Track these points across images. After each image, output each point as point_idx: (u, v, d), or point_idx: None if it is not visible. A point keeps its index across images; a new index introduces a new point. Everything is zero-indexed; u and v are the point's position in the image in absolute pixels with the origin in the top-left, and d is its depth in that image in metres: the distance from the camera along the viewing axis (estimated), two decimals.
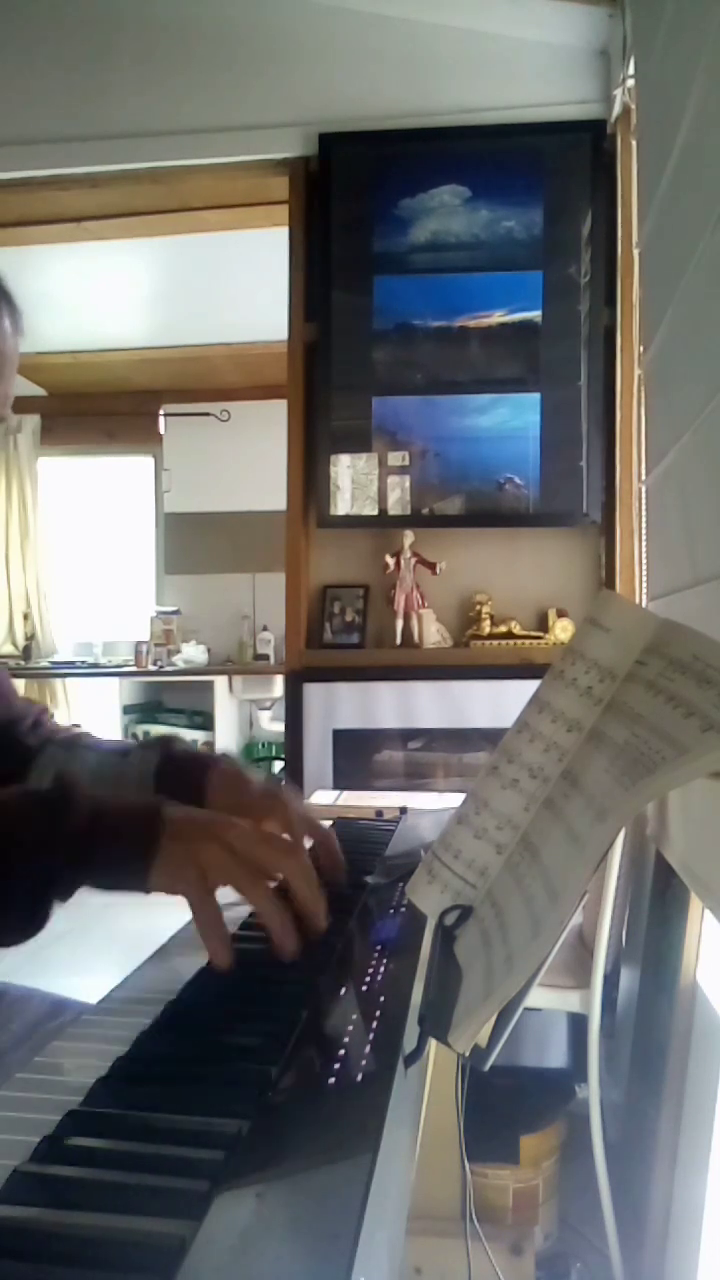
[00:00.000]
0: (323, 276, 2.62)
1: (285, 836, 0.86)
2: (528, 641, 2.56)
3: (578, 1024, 1.65)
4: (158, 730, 5.29)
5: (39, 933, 0.69)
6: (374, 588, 2.67)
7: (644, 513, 2.34)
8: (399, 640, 2.60)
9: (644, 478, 2.16)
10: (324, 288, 2.61)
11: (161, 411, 5.57)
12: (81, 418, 5.63)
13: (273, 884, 0.72)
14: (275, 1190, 0.47)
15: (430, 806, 1.54)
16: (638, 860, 1.71)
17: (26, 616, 5.66)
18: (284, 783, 1.00)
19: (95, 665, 5.49)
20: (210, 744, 5.24)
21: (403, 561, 2.60)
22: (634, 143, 2.33)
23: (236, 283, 3.85)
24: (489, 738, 2.50)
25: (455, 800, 0.84)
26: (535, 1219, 1.65)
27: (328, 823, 1.24)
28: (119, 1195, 0.47)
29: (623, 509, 2.51)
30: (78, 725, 5.40)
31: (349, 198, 2.60)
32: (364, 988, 0.72)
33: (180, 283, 4.23)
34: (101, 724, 5.60)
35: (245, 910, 0.94)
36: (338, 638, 2.67)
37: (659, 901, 1.55)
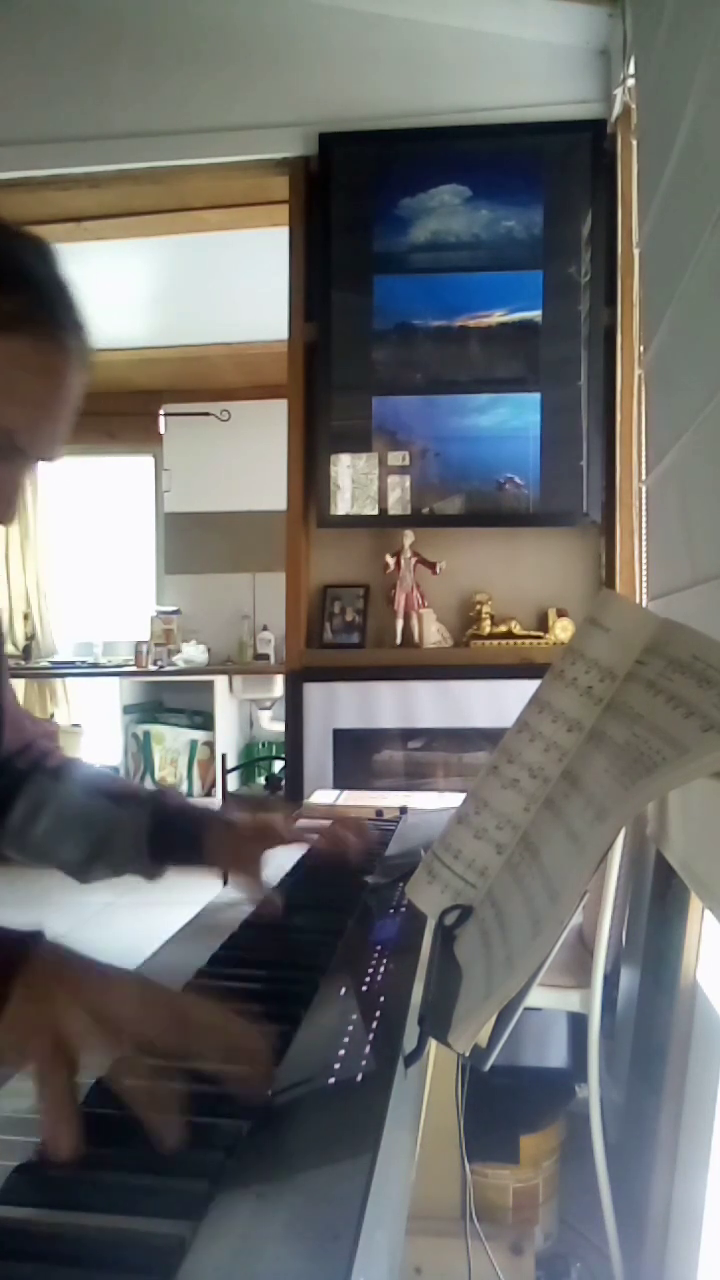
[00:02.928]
0: (323, 276, 2.61)
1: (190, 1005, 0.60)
2: (528, 641, 2.56)
3: (578, 1024, 1.65)
4: (158, 730, 5.29)
5: None
6: (374, 588, 2.67)
7: (644, 513, 2.34)
8: (399, 640, 2.60)
9: (644, 478, 2.16)
10: (324, 288, 2.61)
11: (161, 411, 5.57)
12: (81, 418, 5.58)
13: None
14: (275, 1190, 0.47)
15: (430, 806, 1.54)
16: (638, 860, 1.71)
17: (26, 616, 5.66)
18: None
19: (95, 665, 5.49)
20: (210, 744, 5.24)
21: (403, 561, 2.60)
22: (634, 143, 2.33)
23: (236, 283, 3.85)
24: (489, 738, 2.50)
25: (455, 800, 0.84)
26: (535, 1219, 1.65)
27: (323, 823, 1.24)
28: (119, 1195, 0.47)
29: (623, 509, 2.51)
30: (78, 725, 5.35)
31: (349, 198, 2.60)
32: (364, 988, 0.72)
33: (180, 283, 4.23)
34: (101, 724, 5.61)
35: (239, 913, 0.94)
36: (338, 638, 2.67)
37: (659, 901, 1.55)
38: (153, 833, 0.97)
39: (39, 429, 0.78)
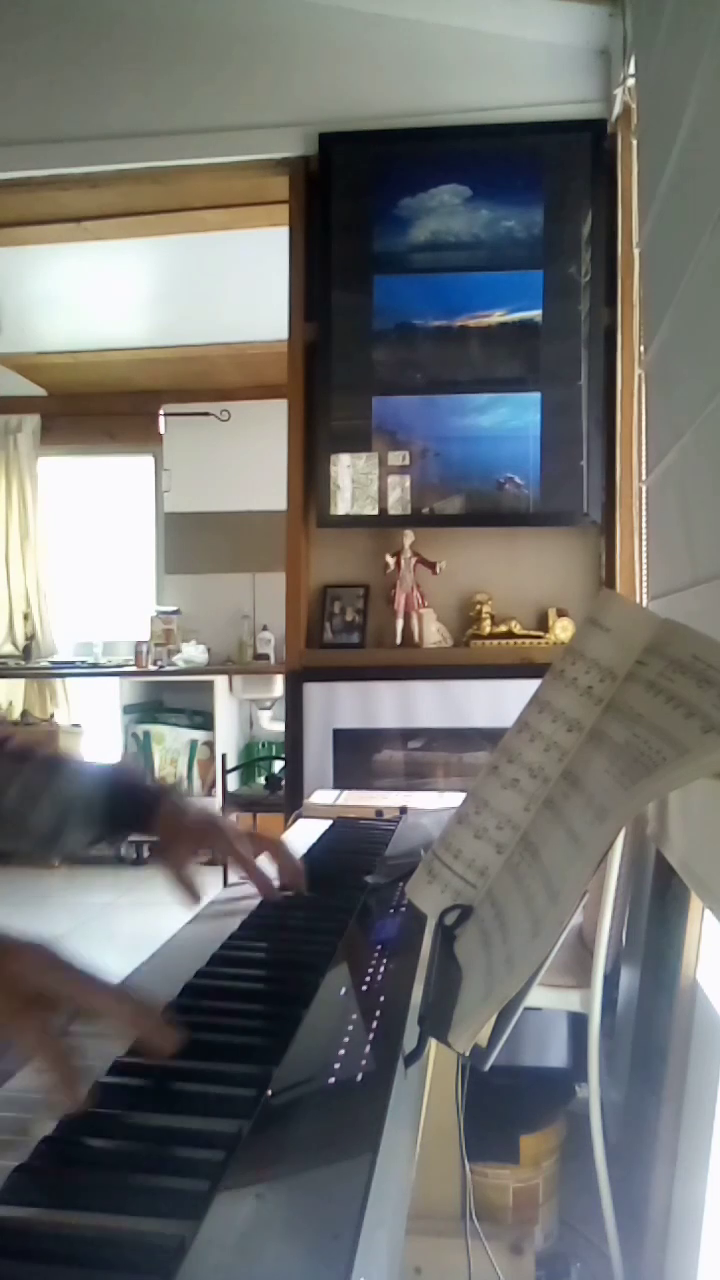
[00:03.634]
0: (323, 276, 2.62)
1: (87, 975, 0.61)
2: (528, 641, 2.56)
3: (578, 1024, 1.65)
4: (158, 730, 5.29)
5: None
6: (374, 587, 2.67)
7: (644, 513, 2.34)
8: (399, 640, 2.60)
9: (644, 478, 2.16)
10: (324, 288, 2.61)
11: (161, 411, 5.57)
12: (81, 418, 5.63)
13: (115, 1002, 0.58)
14: (275, 1190, 0.47)
15: (430, 806, 1.55)
16: (638, 860, 1.71)
17: (26, 616, 5.66)
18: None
19: (95, 665, 5.49)
20: (210, 744, 5.24)
21: (403, 561, 2.60)
22: (634, 143, 2.32)
23: (236, 283, 3.85)
24: (489, 738, 2.50)
25: (455, 800, 0.84)
26: (535, 1219, 1.65)
27: (323, 823, 1.24)
28: (119, 1195, 0.47)
29: (623, 509, 2.51)
30: (78, 725, 5.34)
31: (349, 198, 2.60)
32: (364, 988, 0.72)
33: (180, 283, 4.23)
34: (101, 724, 5.61)
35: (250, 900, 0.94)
36: (338, 637, 2.67)
37: (659, 901, 1.55)
38: (109, 803, 1.00)
39: None
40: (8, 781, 1.02)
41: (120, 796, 1.01)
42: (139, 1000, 0.60)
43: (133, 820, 1.00)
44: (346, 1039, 0.62)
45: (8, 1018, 0.54)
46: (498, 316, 2.56)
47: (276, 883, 0.97)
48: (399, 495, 2.59)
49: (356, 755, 2.65)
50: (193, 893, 0.93)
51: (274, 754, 5.39)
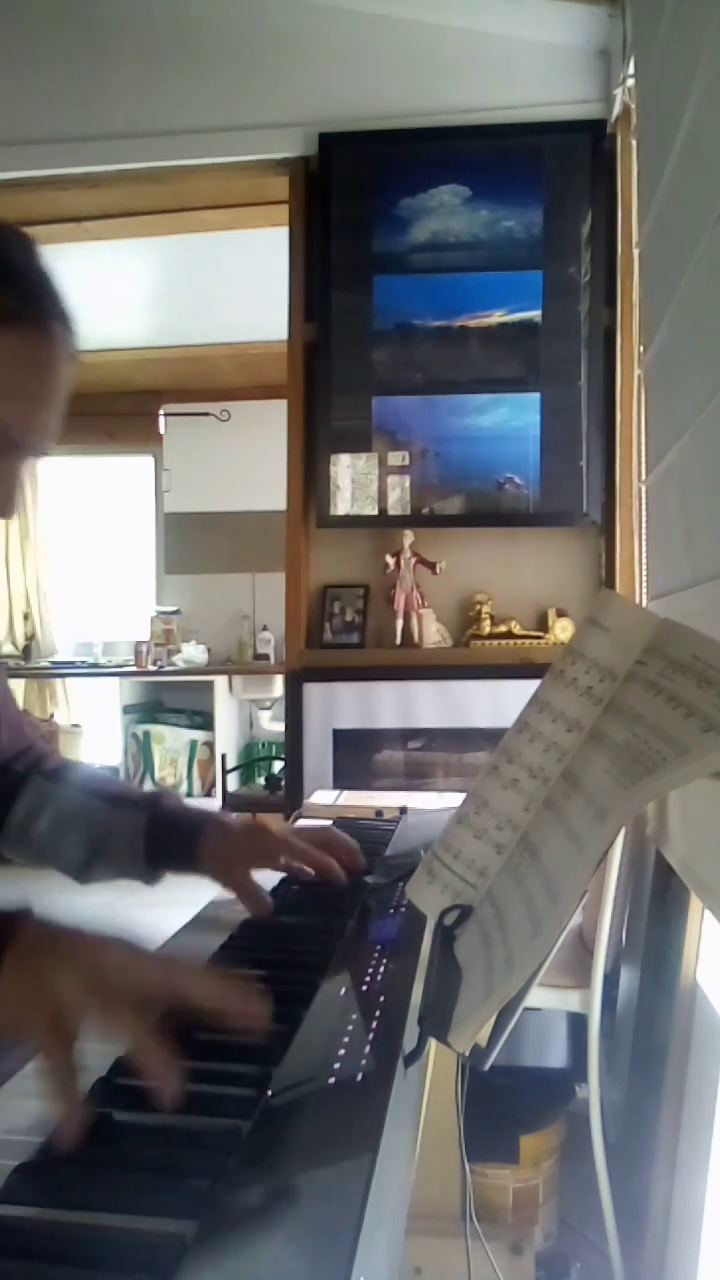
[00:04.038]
0: (323, 276, 2.61)
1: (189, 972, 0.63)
2: (528, 641, 2.56)
3: (578, 1024, 1.65)
4: (158, 730, 5.29)
5: None
6: (374, 588, 2.67)
7: (644, 513, 2.34)
8: (399, 640, 2.60)
9: (644, 478, 2.16)
10: (324, 288, 2.61)
11: (161, 411, 5.57)
12: (81, 418, 5.58)
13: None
14: (275, 1190, 0.47)
15: (430, 806, 1.55)
16: (638, 860, 1.71)
17: (26, 616, 5.66)
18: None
19: (95, 665, 5.49)
20: (210, 744, 5.24)
21: (403, 561, 2.60)
22: (634, 143, 2.32)
23: (236, 283, 3.85)
24: (489, 738, 2.50)
25: (455, 800, 0.84)
26: (535, 1219, 1.65)
27: (324, 823, 1.24)
28: (119, 1195, 0.47)
29: (623, 509, 2.51)
30: (78, 725, 5.34)
31: (349, 198, 2.60)
32: (364, 988, 0.72)
33: (180, 283, 4.23)
34: (101, 724, 5.61)
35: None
36: (338, 637, 2.67)
37: (659, 901, 1.56)
38: (149, 837, 0.97)
39: (32, 422, 0.77)
40: (40, 805, 1.00)
41: (160, 830, 0.98)
42: (228, 978, 0.61)
43: (173, 853, 0.97)
44: (346, 1039, 0.62)
45: (112, 1015, 0.54)
46: (497, 317, 2.56)
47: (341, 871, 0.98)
48: (399, 495, 2.59)
49: (356, 755, 2.65)
50: (265, 905, 0.92)
51: (274, 754, 5.39)
